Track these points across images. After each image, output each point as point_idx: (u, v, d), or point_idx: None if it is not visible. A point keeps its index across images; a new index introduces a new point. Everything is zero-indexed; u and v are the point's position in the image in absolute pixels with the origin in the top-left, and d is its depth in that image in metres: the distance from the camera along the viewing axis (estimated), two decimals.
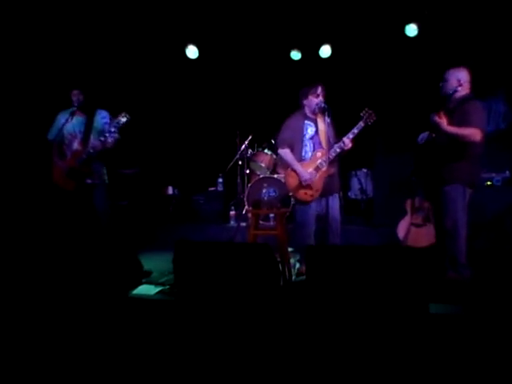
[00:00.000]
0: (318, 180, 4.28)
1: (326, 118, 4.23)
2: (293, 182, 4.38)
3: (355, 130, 4.20)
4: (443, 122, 3.70)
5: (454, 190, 3.77)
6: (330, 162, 4.22)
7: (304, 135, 4.38)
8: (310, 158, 4.35)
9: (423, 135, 4.09)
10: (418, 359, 2.44)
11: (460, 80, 3.84)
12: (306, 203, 4.35)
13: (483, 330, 2.60)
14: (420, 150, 4.10)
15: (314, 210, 4.35)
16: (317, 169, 4.28)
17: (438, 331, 2.62)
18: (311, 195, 4.30)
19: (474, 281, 3.71)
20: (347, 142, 4.18)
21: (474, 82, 3.93)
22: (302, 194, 4.34)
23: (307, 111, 4.42)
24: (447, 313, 2.93)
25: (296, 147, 4.40)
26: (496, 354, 2.44)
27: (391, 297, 2.71)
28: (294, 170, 4.36)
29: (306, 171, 4.28)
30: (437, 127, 3.73)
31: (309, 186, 4.29)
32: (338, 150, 4.19)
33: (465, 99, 3.81)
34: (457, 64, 4.69)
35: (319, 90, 4.31)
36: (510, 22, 5.59)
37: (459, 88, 3.84)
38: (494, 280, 3.85)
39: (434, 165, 3.93)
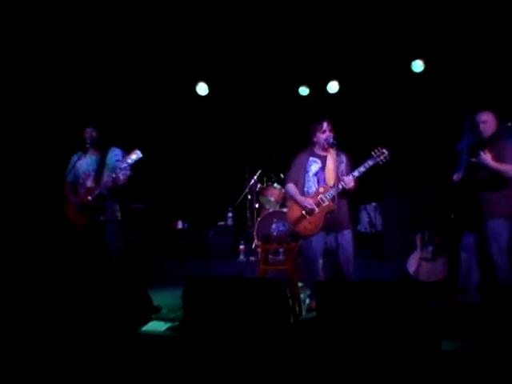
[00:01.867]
0: (317, 215, 4.28)
1: (338, 153, 4.27)
2: (293, 215, 4.40)
3: (361, 169, 4.21)
4: (488, 157, 3.91)
5: (498, 225, 4.02)
6: (333, 199, 4.19)
7: (308, 171, 4.43)
8: (313, 193, 4.37)
9: (458, 173, 4.28)
10: None
11: (491, 121, 4.11)
12: (307, 237, 4.35)
13: (495, 369, 2.56)
14: (457, 187, 4.29)
15: (318, 244, 4.33)
16: (317, 203, 4.28)
17: (449, 368, 2.59)
18: (311, 230, 4.30)
19: (487, 317, 3.66)
20: (347, 180, 4.17)
21: None
22: (302, 228, 4.34)
23: (317, 148, 4.47)
24: (459, 350, 2.89)
25: (299, 183, 4.45)
26: None
27: (403, 333, 2.69)
28: (296, 201, 4.40)
29: (308, 201, 4.30)
30: (483, 163, 3.94)
31: (308, 221, 4.30)
32: (340, 188, 4.18)
33: (497, 137, 4.07)
34: (463, 100, 4.76)
35: (324, 125, 4.35)
36: None
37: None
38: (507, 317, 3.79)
39: (475, 200, 4.15)
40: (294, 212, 4.40)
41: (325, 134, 4.35)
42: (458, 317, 4.03)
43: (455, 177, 4.28)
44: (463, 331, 3.34)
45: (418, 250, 5.32)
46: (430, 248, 5.26)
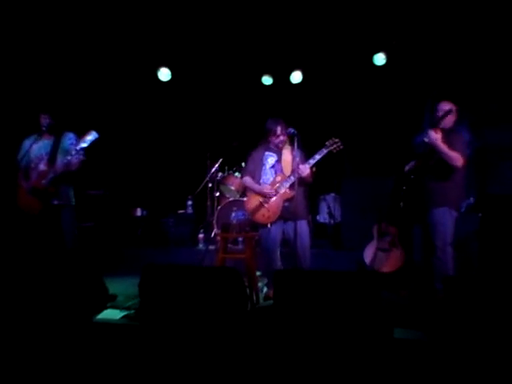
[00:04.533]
0: (275, 203, 4.34)
1: (295, 147, 4.28)
2: (251, 205, 4.45)
3: (316, 156, 4.28)
4: (439, 137, 3.94)
5: (442, 214, 4.03)
6: (291, 187, 4.27)
7: (264, 164, 4.52)
8: (270, 183, 4.43)
9: (410, 164, 4.36)
10: (382, 381, 2.46)
11: (450, 110, 4.07)
12: (265, 226, 4.40)
13: (446, 356, 2.64)
14: (406, 176, 4.38)
15: (275, 234, 4.40)
16: (275, 192, 4.34)
17: (401, 356, 2.65)
18: (268, 217, 4.36)
19: (436, 306, 3.78)
20: (303, 168, 4.23)
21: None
22: (260, 216, 4.39)
23: (271, 144, 4.53)
24: (411, 338, 2.97)
25: (256, 176, 4.53)
26: (457, 379, 2.48)
27: (357, 321, 2.73)
28: (254, 191, 4.46)
29: (267, 188, 4.37)
30: (432, 143, 3.96)
31: (266, 209, 4.35)
32: (296, 176, 4.20)
33: (451, 130, 4.10)
34: (423, 93, 4.83)
35: (278, 131, 4.41)
36: (473, 53, 5.81)
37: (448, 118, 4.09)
38: (458, 305, 3.91)
39: (422, 189, 4.20)
40: (252, 202, 4.45)
41: (278, 138, 4.44)
42: (410, 306, 4.13)
43: (407, 167, 4.38)
44: (415, 320, 3.42)
45: (375, 240, 5.41)
46: (387, 239, 5.35)
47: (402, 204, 4.48)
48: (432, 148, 4.01)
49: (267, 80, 7.29)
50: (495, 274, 4.48)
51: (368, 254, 5.40)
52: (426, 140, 4.00)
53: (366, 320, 2.72)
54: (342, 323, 2.74)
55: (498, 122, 4.15)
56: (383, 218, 5.43)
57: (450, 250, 4.04)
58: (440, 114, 4.08)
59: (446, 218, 4.04)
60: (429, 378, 2.51)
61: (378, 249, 5.35)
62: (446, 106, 4.13)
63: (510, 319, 2.61)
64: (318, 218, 7.15)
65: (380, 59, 6.52)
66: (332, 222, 6.88)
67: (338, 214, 6.94)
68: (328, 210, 6.93)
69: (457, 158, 3.89)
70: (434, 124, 4.06)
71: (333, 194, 7.04)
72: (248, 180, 4.55)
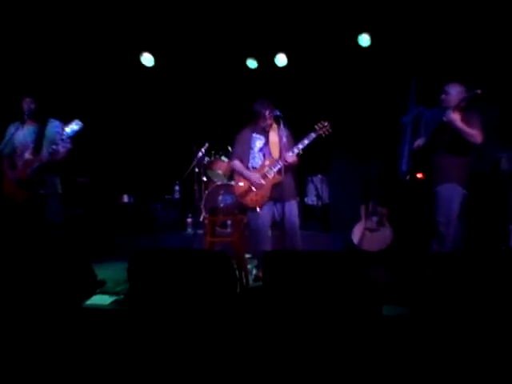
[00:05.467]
0: (264, 187, 4.36)
1: (281, 127, 4.30)
2: (240, 188, 4.46)
3: (305, 141, 4.30)
4: (458, 118, 3.93)
5: (451, 189, 4.04)
6: (279, 171, 4.27)
7: (252, 148, 4.51)
8: (259, 167, 4.44)
9: (419, 140, 4.35)
10: (372, 358, 2.49)
11: (466, 97, 4.03)
12: (254, 209, 4.40)
13: (432, 331, 2.68)
14: (415, 153, 4.37)
15: (265, 216, 4.40)
16: (264, 176, 4.36)
17: (390, 332, 2.69)
18: (256, 201, 4.38)
19: (424, 283, 3.83)
20: (288, 157, 4.24)
21: (421, 92, 4.14)
22: (249, 200, 4.41)
23: (258, 126, 4.50)
24: (400, 314, 3.00)
25: (245, 159, 4.52)
26: (445, 354, 2.51)
27: (346, 300, 2.76)
28: (242, 176, 4.46)
29: (254, 175, 4.38)
30: (451, 123, 3.94)
31: (255, 193, 4.37)
32: (282, 163, 4.23)
33: (465, 109, 4.04)
34: (408, 74, 4.79)
35: (267, 113, 4.36)
36: (457, 33, 5.82)
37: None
38: (443, 282, 3.97)
39: (431, 166, 4.18)
40: (241, 186, 4.46)
41: (266, 121, 4.40)
42: (399, 283, 4.18)
43: (416, 144, 4.37)
44: (404, 297, 3.46)
45: (363, 220, 5.46)
46: (374, 218, 5.41)
47: (408, 177, 4.48)
48: (446, 125, 4.02)
49: (252, 63, 7.23)
50: (482, 252, 4.53)
51: (356, 234, 5.46)
52: (445, 120, 4.00)
53: (355, 298, 2.75)
54: (332, 302, 2.76)
55: (481, 101, 4.16)
56: (371, 199, 5.47)
57: (455, 227, 4.03)
58: (459, 97, 4.05)
59: (453, 194, 4.03)
60: (417, 354, 2.55)
61: (365, 229, 5.40)
62: (455, 87, 4.11)
63: (496, 296, 2.65)
64: (305, 200, 7.17)
65: (365, 40, 6.50)
66: (320, 203, 6.91)
67: (325, 195, 6.98)
68: (316, 191, 6.95)
69: (476, 135, 3.90)
70: (455, 107, 4.01)
71: (320, 176, 7.06)
72: (237, 164, 4.54)
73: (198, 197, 6.75)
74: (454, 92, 4.08)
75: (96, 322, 3.13)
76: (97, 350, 2.79)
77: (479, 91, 3.93)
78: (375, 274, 4.54)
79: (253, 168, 4.46)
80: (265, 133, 4.46)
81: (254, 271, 4.61)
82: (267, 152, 4.44)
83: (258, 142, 4.50)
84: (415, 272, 4.30)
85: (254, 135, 4.51)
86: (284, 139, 4.31)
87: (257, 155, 4.49)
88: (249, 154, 4.50)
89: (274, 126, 4.46)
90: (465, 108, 4.06)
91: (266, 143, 4.46)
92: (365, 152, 6.37)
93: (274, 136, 4.45)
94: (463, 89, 4.08)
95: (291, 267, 2.95)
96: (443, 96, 4.14)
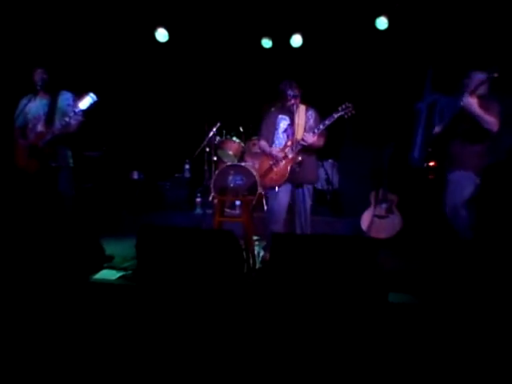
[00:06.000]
0: (283, 166, 4.36)
1: (308, 108, 4.38)
2: (262, 167, 4.52)
3: (326, 122, 4.25)
4: (475, 102, 3.91)
5: (465, 177, 4.02)
6: (299, 152, 4.27)
7: (277, 129, 4.51)
8: (282, 147, 4.43)
9: (439, 126, 4.34)
10: (376, 344, 2.50)
11: (481, 79, 3.98)
12: (273, 189, 4.44)
13: (437, 320, 2.68)
14: (434, 139, 4.37)
15: (283, 197, 4.41)
16: (284, 156, 4.36)
17: (395, 319, 2.69)
18: (276, 180, 4.40)
19: (430, 271, 3.83)
20: (307, 137, 4.23)
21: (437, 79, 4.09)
22: (269, 179, 4.45)
23: (284, 106, 4.46)
24: (405, 302, 3.00)
25: (269, 140, 4.54)
26: (449, 343, 2.51)
27: (352, 285, 2.75)
28: (265, 152, 4.50)
29: (277, 151, 4.40)
30: (468, 108, 3.92)
31: (275, 172, 4.39)
32: (302, 144, 4.24)
33: (485, 97, 4.01)
34: (424, 59, 4.70)
35: (289, 93, 4.29)
36: (476, 21, 5.71)
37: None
38: (448, 270, 3.96)
39: (448, 152, 4.16)
40: (264, 165, 4.52)
41: (290, 101, 4.33)
42: (406, 271, 4.17)
43: (436, 129, 4.35)
44: (410, 285, 3.45)
45: (372, 207, 5.43)
46: (384, 205, 5.37)
47: (425, 165, 4.45)
48: (463, 112, 3.98)
49: (267, 43, 7.16)
50: (494, 241, 4.50)
51: (364, 221, 5.44)
52: (462, 104, 3.96)
53: (362, 284, 2.75)
54: (338, 287, 2.76)
55: (500, 89, 4.09)
56: (382, 185, 5.44)
57: (463, 215, 4.00)
58: (476, 81, 3.99)
59: (466, 181, 4.02)
60: (421, 341, 2.55)
61: (374, 215, 5.38)
62: (479, 74, 4.03)
63: (502, 286, 2.64)
64: (316, 184, 7.13)
65: (382, 23, 6.40)
66: (330, 188, 6.88)
67: (335, 180, 6.95)
68: (326, 176, 6.92)
69: (493, 123, 3.86)
70: (466, 90, 4.00)
71: (331, 161, 7.02)
72: (262, 143, 4.58)
73: (208, 176, 6.74)
74: (475, 76, 4.03)
75: (103, 297, 3.15)
76: (103, 324, 2.82)
77: (496, 74, 3.87)
78: (382, 261, 4.54)
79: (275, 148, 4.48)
80: (290, 114, 4.42)
81: (262, 253, 4.62)
82: (290, 133, 4.43)
83: (283, 123, 4.50)
84: (422, 260, 4.29)
85: (280, 116, 4.51)
86: (311, 120, 4.37)
87: (281, 136, 4.49)
88: (274, 134, 4.52)
89: (302, 107, 4.43)
90: (484, 96, 4.01)
91: (291, 124, 4.42)
92: (377, 138, 6.31)
93: (301, 117, 4.42)
94: (484, 75, 4.01)
95: (299, 250, 2.95)
96: (466, 80, 4.09)
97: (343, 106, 4.26)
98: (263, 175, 4.50)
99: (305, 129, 4.36)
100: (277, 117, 4.53)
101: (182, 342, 2.64)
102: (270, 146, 4.50)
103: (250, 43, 7.15)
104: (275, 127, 4.52)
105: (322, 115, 4.36)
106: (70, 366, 2.45)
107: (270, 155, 4.43)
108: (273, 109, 4.62)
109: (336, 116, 4.24)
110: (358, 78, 6.85)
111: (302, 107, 4.44)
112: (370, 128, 6.58)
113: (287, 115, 4.47)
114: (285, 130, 4.48)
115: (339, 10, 6.28)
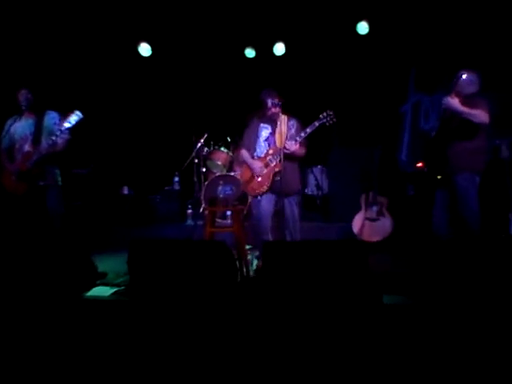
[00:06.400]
0: (265, 175, 4.38)
1: (290, 118, 4.43)
2: (245, 176, 4.54)
3: (307, 130, 4.29)
4: (456, 101, 3.92)
5: (466, 179, 4.00)
6: (281, 161, 4.25)
7: (258, 137, 4.54)
8: (263, 155, 4.45)
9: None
10: (372, 347, 2.50)
11: (472, 80, 4.01)
12: (256, 197, 4.48)
13: (432, 321, 2.68)
14: (429, 142, 4.31)
15: (266, 205, 4.41)
16: (266, 165, 4.38)
17: (390, 320, 2.69)
18: (258, 189, 4.41)
19: (426, 272, 3.84)
20: (289, 145, 4.25)
21: (421, 79, 4.12)
22: (251, 188, 4.47)
23: (266, 115, 4.49)
24: (400, 303, 3.01)
25: (251, 148, 4.55)
26: (444, 343, 2.52)
27: (346, 289, 2.76)
28: (247, 164, 4.52)
29: (257, 163, 4.41)
30: (449, 108, 3.94)
31: (257, 181, 4.40)
32: (285, 152, 4.25)
33: (473, 96, 4.00)
34: (406, 61, 4.74)
35: (269, 103, 4.35)
36: (456, 21, 5.78)
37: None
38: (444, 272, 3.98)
39: (444, 153, 4.12)
40: (246, 173, 4.53)
41: (270, 110, 4.39)
42: (399, 273, 4.17)
43: (433, 132, 4.31)
44: (404, 287, 3.46)
45: (363, 210, 5.45)
46: (375, 208, 5.40)
47: (426, 169, 4.45)
48: (448, 112, 4.00)
49: (250, 53, 7.21)
50: (482, 240, 4.52)
51: (356, 224, 5.45)
52: (444, 106, 3.99)
53: (355, 287, 2.75)
54: (332, 292, 2.77)
55: (481, 89, 4.13)
56: (370, 188, 5.46)
57: (476, 214, 4.01)
58: (455, 81, 4.03)
59: (469, 187, 4.01)
60: (417, 342, 2.55)
61: (365, 219, 5.40)
62: (464, 73, 4.04)
63: (496, 285, 2.65)
64: (306, 190, 7.16)
65: (363, 28, 6.47)
66: (320, 193, 6.90)
67: (325, 185, 6.97)
68: (316, 182, 6.95)
69: (481, 114, 3.84)
70: (450, 90, 4.03)
71: (319, 166, 7.05)
72: (244, 153, 4.58)
73: (198, 188, 6.73)
74: (455, 76, 4.07)
75: (96, 314, 3.13)
76: (97, 341, 2.80)
77: (465, 76, 3.92)
78: (375, 264, 4.55)
79: (257, 157, 4.49)
80: (272, 122, 4.46)
81: (255, 262, 4.61)
82: (272, 141, 4.46)
83: (265, 132, 4.52)
84: (415, 262, 4.30)
85: (262, 125, 4.54)
86: (292, 129, 4.39)
87: (262, 144, 4.51)
88: (255, 143, 4.53)
89: (284, 117, 4.47)
90: (472, 94, 4.01)
91: (273, 133, 4.46)
92: (364, 142, 6.35)
93: (282, 126, 4.46)
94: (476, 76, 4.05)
95: (291, 257, 2.95)
96: (446, 80, 4.19)
97: (324, 114, 4.30)
98: (246, 183, 4.52)
99: (286, 137, 4.37)
100: (258, 125, 4.55)
101: (177, 356, 2.62)
102: (252, 154, 4.51)
103: (233, 54, 7.19)
104: (257, 135, 4.54)
105: (307, 122, 4.36)
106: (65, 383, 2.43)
107: (251, 167, 4.45)
108: (255, 118, 4.61)
109: (317, 124, 4.27)
110: (343, 83, 6.91)
111: (284, 117, 4.47)
112: (356, 132, 6.64)
113: (269, 124, 4.50)
114: (266, 139, 4.51)
115: (320, 16, 6.34)
